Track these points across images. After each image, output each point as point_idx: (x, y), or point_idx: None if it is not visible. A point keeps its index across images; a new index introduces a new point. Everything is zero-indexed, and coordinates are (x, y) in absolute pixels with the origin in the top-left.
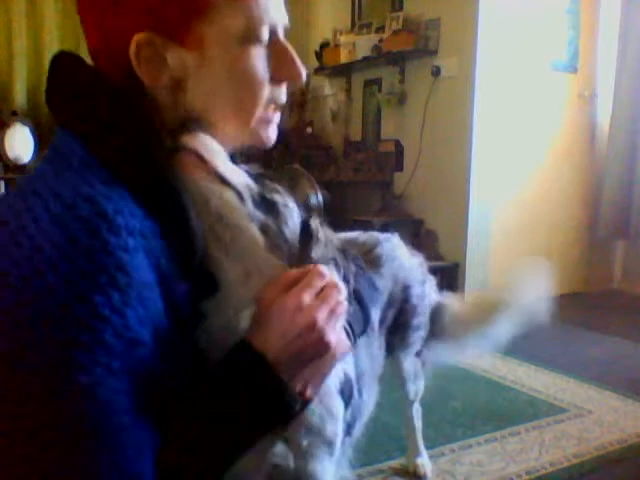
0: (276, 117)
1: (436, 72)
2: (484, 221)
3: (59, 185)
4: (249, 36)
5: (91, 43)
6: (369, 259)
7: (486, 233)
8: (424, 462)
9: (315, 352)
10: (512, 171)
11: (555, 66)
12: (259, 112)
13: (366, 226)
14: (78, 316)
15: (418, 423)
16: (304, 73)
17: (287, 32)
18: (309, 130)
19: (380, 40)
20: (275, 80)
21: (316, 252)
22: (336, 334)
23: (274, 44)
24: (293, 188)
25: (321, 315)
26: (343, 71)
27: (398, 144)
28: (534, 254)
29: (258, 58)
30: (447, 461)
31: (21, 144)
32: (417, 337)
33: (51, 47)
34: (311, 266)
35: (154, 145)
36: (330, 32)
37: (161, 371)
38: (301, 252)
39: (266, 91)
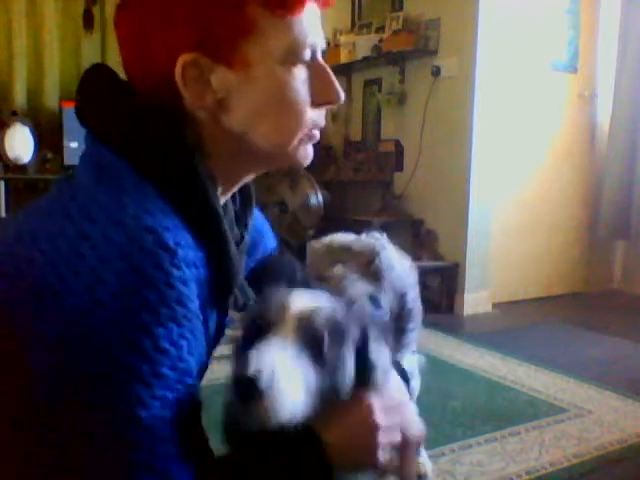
0: (315, 137)
1: (436, 72)
2: (484, 221)
3: (118, 212)
4: (292, 57)
5: (130, 58)
6: (369, 272)
7: (486, 233)
8: (424, 461)
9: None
10: (512, 171)
11: (555, 66)
12: (300, 135)
13: (366, 226)
14: (140, 348)
15: None
16: (342, 96)
17: (324, 54)
18: None
19: (380, 40)
20: (316, 103)
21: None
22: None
23: (314, 66)
24: (293, 188)
25: (385, 440)
26: (343, 71)
27: (398, 144)
28: (534, 254)
29: (300, 80)
30: (447, 461)
31: (21, 144)
32: (413, 337)
33: (51, 47)
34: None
35: (203, 176)
36: (330, 32)
37: (198, 398)
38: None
39: (307, 114)
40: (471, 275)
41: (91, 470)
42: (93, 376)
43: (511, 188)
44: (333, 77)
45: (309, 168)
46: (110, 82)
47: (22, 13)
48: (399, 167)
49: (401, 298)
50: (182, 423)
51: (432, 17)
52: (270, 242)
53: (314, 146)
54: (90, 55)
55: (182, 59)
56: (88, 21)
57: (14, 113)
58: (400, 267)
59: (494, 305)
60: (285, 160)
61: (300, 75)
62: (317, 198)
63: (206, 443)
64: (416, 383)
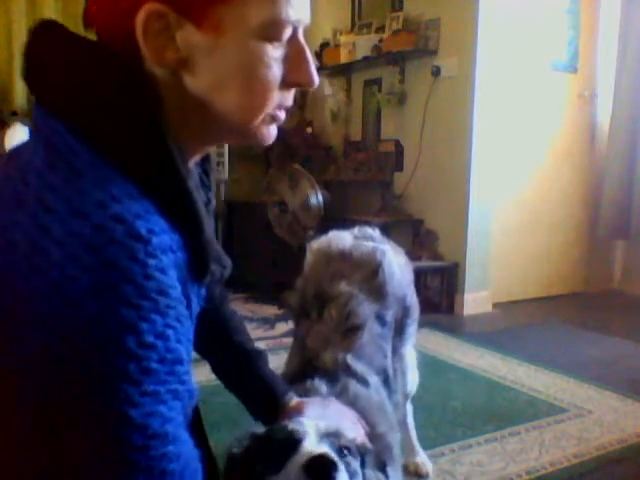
0: (280, 118)
1: (436, 72)
2: (484, 221)
3: (78, 200)
4: (270, 33)
5: (92, 8)
6: (372, 288)
7: (486, 233)
8: (424, 461)
9: None
10: (512, 171)
11: (555, 66)
12: (263, 113)
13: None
14: (124, 347)
15: (411, 421)
16: (317, 80)
17: (306, 30)
18: (309, 130)
19: (380, 40)
20: (286, 83)
21: None
22: None
23: (292, 44)
24: (293, 188)
25: None
26: (343, 71)
27: (398, 144)
28: (534, 254)
29: (273, 58)
30: (447, 461)
31: None
32: (412, 331)
33: None
34: None
35: (174, 152)
36: (330, 32)
37: (192, 384)
38: None
39: (275, 93)
40: (471, 275)
41: (85, 473)
42: (77, 380)
43: (511, 188)
44: (310, 59)
45: (309, 168)
46: (64, 42)
47: (22, 13)
48: (399, 167)
49: (402, 300)
50: (178, 415)
51: (432, 17)
52: None
53: (314, 146)
54: None
55: (147, 8)
56: None
57: (14, 113)
58: (399, 272)
59: (494, 305)
60: (246, 136)
61: (274, 53)
62: (317, 198)
63: (204, 436)
64: (415, 377)
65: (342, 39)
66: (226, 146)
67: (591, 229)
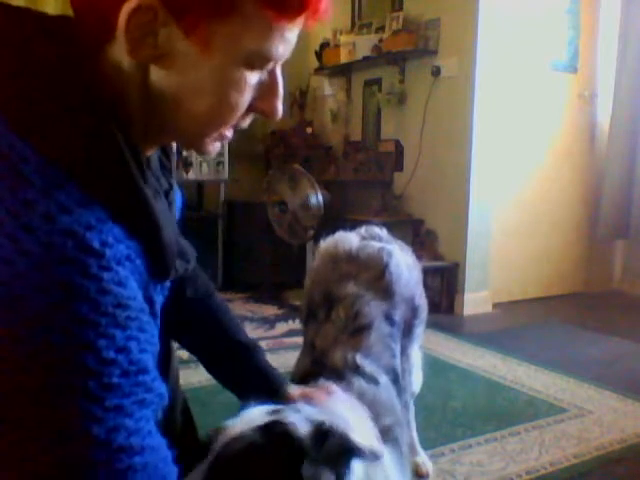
0: (227, 137)
1: (436, 72)
2: (484, 221)
3: (25, 214)
4: (256, 62)
5: None
6: (380, 288)
7: (486, 233)
8: (424, 461)
9: None
10: (512, 171)
11: (555, 66)
12: (219, 131)
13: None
14: (83, 366)
15: (412, 420)
16: (280, 114)
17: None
18: (309, 130)
19: (380, 40)
20: (251, 108)
21: None
22: None
23: (270, 75)
24: (293, 188)
25: None
26: (343, 71)
27: (398, 144)
28: (534, 254)
29: (249, 84)
30: (447, 461)
31: None
32: (420, 332)
33: None
34: None
35: (126, 153)
36: (330, 32)
37: (163, 389)
38: None
39: (242, 117)
40: (471, 275)
41: None
42: (39, 401)
43: (511, 188)
44: (281, 93)
45: (309, 168)
46: (12, 19)
47: None
48: (399, 167)
49: (410, 300)
50: (146, 423)
51: (432, 17)
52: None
53: (314, 146)
54: None
55: None
56: None
57: None
58: (407, 272)
59: (494, 305)
60: (193, 145)
61: (251, 79)
62: (317, 198)
63: (191, 431)
64: (419, 377)
65: (342, 39)
66: (226, 146)
67: (591, 229)
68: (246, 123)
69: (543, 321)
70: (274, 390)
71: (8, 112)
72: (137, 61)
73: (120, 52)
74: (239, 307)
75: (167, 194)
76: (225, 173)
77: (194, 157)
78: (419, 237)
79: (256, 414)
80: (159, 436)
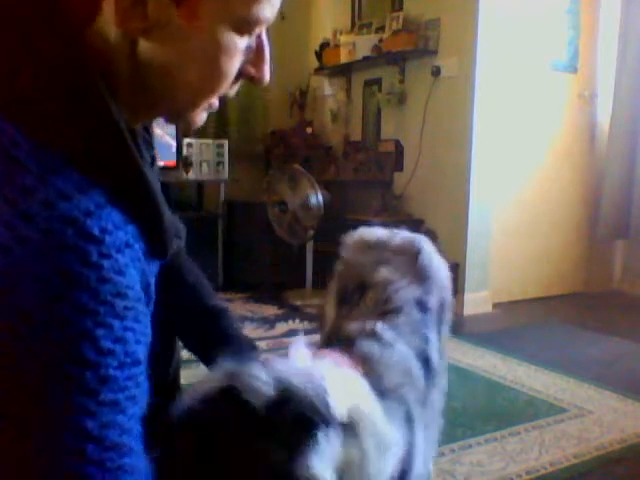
0: (215, 106)
1: (436, 72)
2: (484, 221)
3: (23, 201)
4: (244, 27)
5: None
6: (414, 272)
7: (486, 233)
8: None
9: None
10: (512, 171)
11: (555, 66)
12: (209, 100)
13: (366, 226)
14: (81, 356)
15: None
16: (267, 78)
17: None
18: (309, 130)
19: (380, 40)
20: (239, 75)
21: None
22: None
23: (257, 40)
24: (293, 188)
25: None
26: (343, 71)
27: (398, 144)
28: (534, 254)
29: (239, 49)
30: (447, 461)
31: None
32: (447, 330)
33: None
34: None
35: (123, 131)
36: (330, 32)
37: (146, 385)
38: None
39: (232, 85)
40: (471, 275)
41: None
42: (33, 392)
43: (511, 188)
44: (268, 58)
45: (309, 168)
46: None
47: None
48: (399, 167)
49: (442, 291)
50: (136, 424)
51: (432, 17)
52: None
53: (314, 146)
54: None
55: None
56: None
57: None
58: (438, 261)
59: (494, 305)
60: (182, 116)
61: (241, 44)
62: (317, 198)
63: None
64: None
65: (342, 39)
66: (226, 146)
67: (591, 229)
68: (233, 91)
69: (543, 321)
70: (244, 357)
71: (11, 109)
72: (126, 33)
73: (108, 25)
74: (239, 307)
75: (152, 164)
76: (225, 173)
77: (194, 157)
78: None
79: (214, 378)
80: (142, 442)
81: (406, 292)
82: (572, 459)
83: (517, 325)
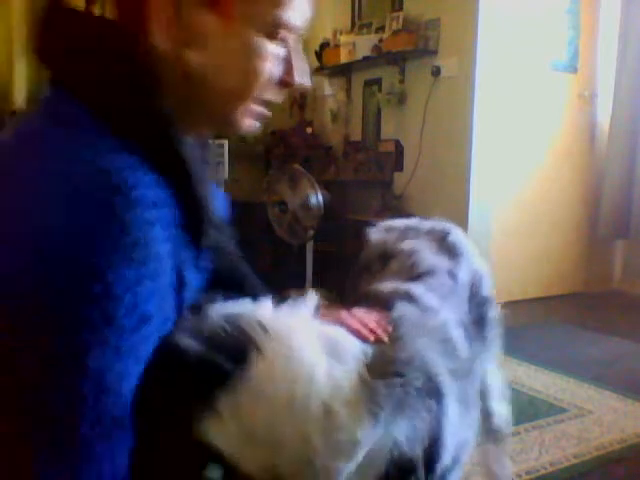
0: (263, 114)
1: (436, 72)
2: (484, 221)
3: (67, 158)
4: (274, 32)
5: None
6: (444, 247)
7: (486, 233)
8: None
9: None
10: (512, 171)
11: (555, 66)
12: (249, 102)
13: (366, 226)
14: (92, 293)
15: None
16: (309, 82)
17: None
18: (309, 130)
19: (380, 40)
20: (280, 82)
21: None
22: None
23: (291, 48)
24: (293, 188)
25: None
26: (343, 71)
27: (398, 144)
28: (534, 254)
29: (272, 55)
30: None
31: None
32: (495, 335)
33: None
34: None
35: (164, 110)
36: (330, 32)
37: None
38: None
39: (266, 86)
40: None
41: (31, 418)
42: (40, 323)
43: (511, 188)
44: (303, 66)
45: (309, 168)
46: (72, 16)
47: (22, 13)
48: (399, 167)
49: (480, 279)
50: (135, 377)
51: (432, 17)
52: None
53: (314, 146)
54: None
55: None
56: None
57: (14, 113)
58: (470, 244)
59: None
60: (227, 123)
61: (273, 50)
62: (317, 198)
63: None
64: (503, 407)
65: (342, 39)
66: (226, 146)
67: (591, 229)
68: (278, 97)
69: (543, 321)
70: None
71: (68, 84)
72: (171, 45)
73: (156, 38)
74: None
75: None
76: (225, 173)
77: None
78: None
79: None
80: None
81: (434, 259)
82: (572, 459)
83: (517, 325)
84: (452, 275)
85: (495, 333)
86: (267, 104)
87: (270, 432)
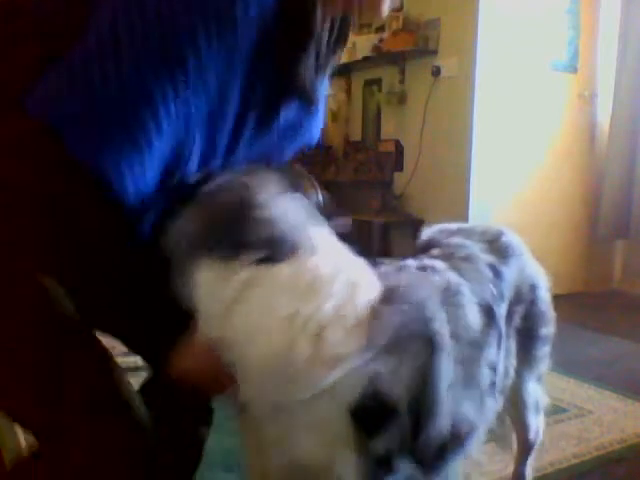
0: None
1: (436, 72)
2: (484, 221)
3: None
4: None
5: None
6: (494, 247)
7: None
8: None
9: None
10: (512, 171)
11: (555, 66)
12: None
13: (366, 226)
14: (181, 38)
15: None
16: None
17: None
18: None
19: (380, 40)
20: None
21: None
22: None
23: None
24: (293, 188)
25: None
26: (343, 71)
27: (398, 144)
28: (534, 254)
29: None
30: None
31: None
32: (543, 353)
33: None
34: None
35: None
36: None
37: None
38: None
39: None
40: None
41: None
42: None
43: (511, 188)
44: None
45: (309, 168)
46: None
47: None
48: (399, 167)
49: (532, 289)
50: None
51: (432, 17)
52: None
53: (314, 146)
54: None
55: None
56: None
57: None
58: (530, 258)
59: None
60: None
61: None
62: (317, 198)
63: None
64: (541, 424)
65: None
66: None
67: (591, 229)
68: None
69: None
70: None
71: None
72: None
73: None
74: None
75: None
76: None
77: None
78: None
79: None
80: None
81: (477, 251)
82: (572, 459)
83: None
84: (493, 268)
85: (545, 351)
86: None
87: (261, 317)
